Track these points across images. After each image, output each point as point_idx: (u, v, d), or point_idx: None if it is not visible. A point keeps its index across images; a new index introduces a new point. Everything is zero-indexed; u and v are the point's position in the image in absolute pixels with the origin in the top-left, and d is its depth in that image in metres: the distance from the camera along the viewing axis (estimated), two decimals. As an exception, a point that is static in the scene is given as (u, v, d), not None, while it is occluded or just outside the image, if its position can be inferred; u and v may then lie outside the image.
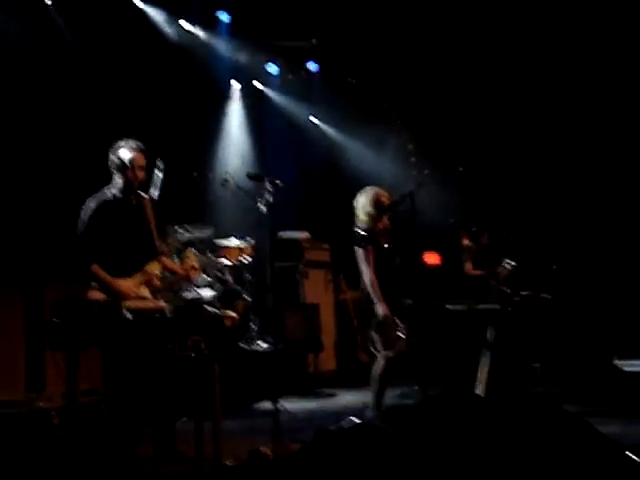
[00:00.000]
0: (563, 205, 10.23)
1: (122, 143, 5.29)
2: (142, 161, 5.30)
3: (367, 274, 6.22)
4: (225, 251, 6.17)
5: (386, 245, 6.41)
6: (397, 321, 6.20)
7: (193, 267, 5.71)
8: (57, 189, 7.85)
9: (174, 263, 6.03)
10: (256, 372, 7.92)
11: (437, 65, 10.70)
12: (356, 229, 6.36)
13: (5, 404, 6.42)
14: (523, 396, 3.92)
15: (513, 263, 7.98)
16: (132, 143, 5.29)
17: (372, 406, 6.21)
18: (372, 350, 6.29)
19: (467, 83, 10.67)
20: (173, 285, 6.04)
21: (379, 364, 6.23)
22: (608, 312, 9.15)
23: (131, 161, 5.23)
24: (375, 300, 6.14)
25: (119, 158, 5.25)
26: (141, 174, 5.31)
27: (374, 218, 6.34)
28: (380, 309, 6.11)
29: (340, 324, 10.09)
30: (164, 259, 5.63)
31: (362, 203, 6.39)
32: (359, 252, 6.27)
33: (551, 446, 3.05)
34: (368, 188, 6.47)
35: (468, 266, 8.13)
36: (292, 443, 5.40)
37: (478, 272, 8.06)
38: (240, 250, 6.24)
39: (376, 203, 6.34)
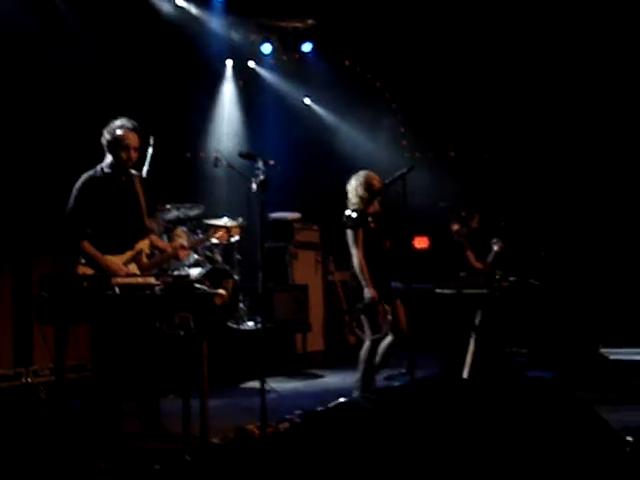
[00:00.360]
0: (553, 192, 10.26)
1: (117, 122, 5.25)
2: (135, 141, 5.25)
3: (356, 256, 6.25)
4: (214, 232, 6.14)
5: (375, 227, 6.42)
6: (384, 304, 6.24)
7: (182, 246, 5.71)
8: (48, 164, 7.83)
9: (163, 241, 6.02)
10: (244, 351, 7.96)
11: (431, 48, 10.68)
12: (347, 211, 6.38)
13: (-7, 378, 6.43)
14: (507, 379, 3.94)
15: (499, 241, 8.02)
16: (127, 122, 5.25)
17: (359, 387, 6.25)
18: (359, 332, 6.34)
19: (460, 67, 10.66)
20: (162, 262, 6.03)
21: (366, 346, 6.27)
22: (595, 300, 9.21)
23: (123, 139, 5.19)
24: (363, 283, 6.18)
25: (112, 136, 5.21)
26: (134, 154, 5.27)
27: (365, 201, 6.37)
28: (367, 292, 6.15)
29: (328, 305, 10.12)
30: (153, 237, 5.62)
31: (354, 186, 6.42)
32: (349, 234, 6.30)
33: (539, 429, 3.07)
34: (360, 172, 6.49)
35: (471, 257, 8.16)
36: (279, 422, 5.44)
37: (480, 264, 8.11)
38: (229, 230, 6.21)
39: (368, 186, 6.37)
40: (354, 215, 6.32)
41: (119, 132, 5.20)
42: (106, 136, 5.24)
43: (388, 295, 6.34)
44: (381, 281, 6.29)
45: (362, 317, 6.27)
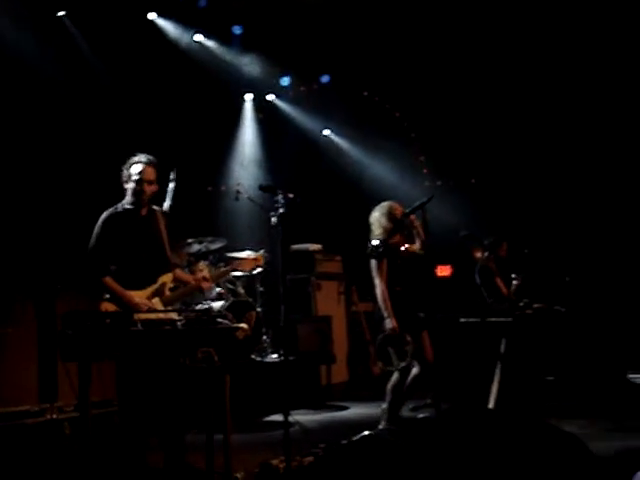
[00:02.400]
0: (576, 218, 10.20)
1: (133, 158, 5.33)
2: (150, 174, 5.30)
3: (379, 287, 6.23)
4: (237, 263, 6.15)
5: (402, 255, 6.40)
6: (407, 335, 6.19)
7: (205, 278, 5.71)
8: (71, 200, 7.91)
9: (186, 274, 6.03)
10: (268, 384, 7.92)
11: (450, 76, 10.71)
12: (370, 242, 6.37)
13: (18, 415, 6.44)
14: (531, 411, 3.90)
15: (519, 277, 8.00)
16: (142, 157, 5.32)
17: (385, 418, 6.20)
18: (380, 364, 6.31)
19: (480, 94, 10.67)
20: (185, 295, 6.03)
21: (394, 377, 6.22)
22: (621, 325, 9.09)
23: (140, 174, 5.25)
24: (384, 314, 6.15)
25: (127, 171, 5.29)
26: (150, 187, 5.31)
27: (388, 231, 6.36)
28: (388, 323, 6.13)
29: (352, 336, 10.08)
30: (177, 270, 5.64)
31: (377, 217, 6.43)
32: (373, 264, 6.28)
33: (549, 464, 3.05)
34: (383, 203, 6.49)
35: (500, 283, 8.15)
36: (303, 456, 5.39)
37: (507, 291, 8.10)
38: (253, 261, 6.22)
39: (390, 216, 6.37)
40: (378, 245, 6.31)
41: (134, 167, 5.27)
42: (124, 172, 5.31)
43: (414, 326, 6.28)
44: (406, 312, 6.25)
45: (388, 348, 6.23)
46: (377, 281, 6.26)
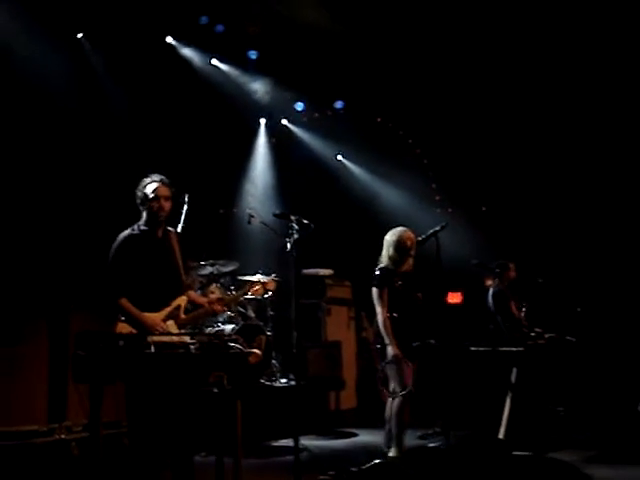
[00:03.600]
0: (588, 248, 10.18)
1: (146, 179, 5.37)
2: (165, 192, 5.33)
3: (380, 314, 6.30)
4: (250, 286, 6.16)
5: (401, 284, 6.43)
6: (407, 362, 6.24)
7: (219, 299, 5.71)
8: (86, 220, 7.96)
9: (200, 297, 6.03)
10: (277, 409, 7.90)
11: (463, 106, 10.76)
12: (376, 268, 6.42)
13: (26, 434, 6.44)
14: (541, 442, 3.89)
15: (525, 304, 8.00)
16: (155, 177, 5.37)
17: (395, 444, 6.18)
18: (383, 390, 6.37)
19: (492, 123, 10.71)
20: (199, 317, 6.03)
21: (395, 403, 6.24)
22: (632, 357, 9.06)
23: (154, 191, 5.29)
24: (386, 341, 6.21)
25: (142, 192, 5.32)
26: (166, 205, 5.33)
27: (395, 261, 6.41)
28: (391, 350, 6.18)
29: (362, 362, 10.04)
30: (191, 293, 5.66)
31: (388, 243, 6.47)
32: (374, 292, 6.35)
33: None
34: (398, 229, 6.52)
35: (513, 307, 8.15)
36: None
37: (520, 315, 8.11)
38: (265, 285, 6.24)
39: (399, 246, 6.42)
40: (380, 273, 6.37)
41: (148, 186, 5.31)
42: (137, 194, 5.34)
43: (411, 354, 6.32)
44: (405, 340, 6.29)
45: (388, 375, 6.26)
46: (378, 309, 6.34)
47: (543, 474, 3.20)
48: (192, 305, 5.65)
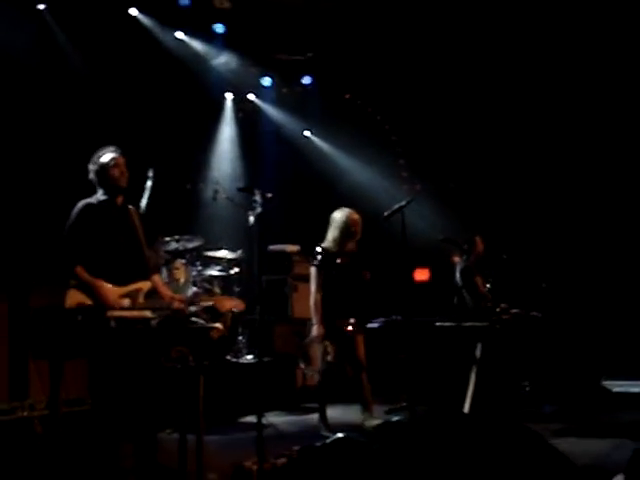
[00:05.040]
0: (553, 224, 10.23)
1: (100, 152, 5.31)
2: (117, 160, 5.28)
3: (313, 295, 6.52)
4: (216, 300, 6.12)
5: (344, 266, 6.51)
6: (328, 343, 6.36)
7: (181, 300, 5.55)
8: (45, 195, 7.82)
9: (165, 288, 5.84)
10: (243, 385, 7.87)
11: (431, 81, 10.73)
12: (317, 248, 6.50)
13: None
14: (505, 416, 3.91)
15: (488, 283, 8.05)
16: (110, 148, 5.31)
17: (318, 420, 6.63)
18: (302, 366, 6.61)
19: (460, 98, 10.69)
20: (155, 308, 5.92)
21: (317, 380, 6.58)
22: (597, 332, 9.14)
23: (113, 159, 5.23)
24: (313, 320, 6.45)
25: (98, 164, 5.25)
26: (117, 171, 5.26)
27: (338, 242, 6.49)
28: (314, 330, 6.43)
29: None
30: (157, 278, 5.55)
31: (334, 223, 6.56)
32: (312, 271, 6.43)
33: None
34: (345, 209, 6.62)
35: (479, 282, 8.18)
36: (277, 458, 5.35)
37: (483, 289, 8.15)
38: (233, 303, 6.20)
39: (343, 229, 6.50)
40: (320, 255, 6.43)
41: (105, 156, 5.25)
42: (92, 167, 5.28)
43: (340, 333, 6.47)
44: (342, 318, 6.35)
45: (309, 352, 6.43)
46: (313, 288, 6.48)
47: (507, 444, 3.20)
48: (153, 291, 5.56)
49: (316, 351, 6.49)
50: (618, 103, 9.83)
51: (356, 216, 6.57)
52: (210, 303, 6.10)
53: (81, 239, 5.09)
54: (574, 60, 9.88)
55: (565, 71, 10.02)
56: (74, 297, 4.86)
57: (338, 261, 6.52)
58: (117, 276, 5.16)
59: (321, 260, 6.47)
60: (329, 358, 6.46)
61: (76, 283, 4.99)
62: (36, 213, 7.64)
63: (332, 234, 6.55)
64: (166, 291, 5.64)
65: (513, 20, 9.69)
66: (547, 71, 10.09)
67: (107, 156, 5.26)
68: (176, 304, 5.45)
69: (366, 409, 6.54)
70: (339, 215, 6.58)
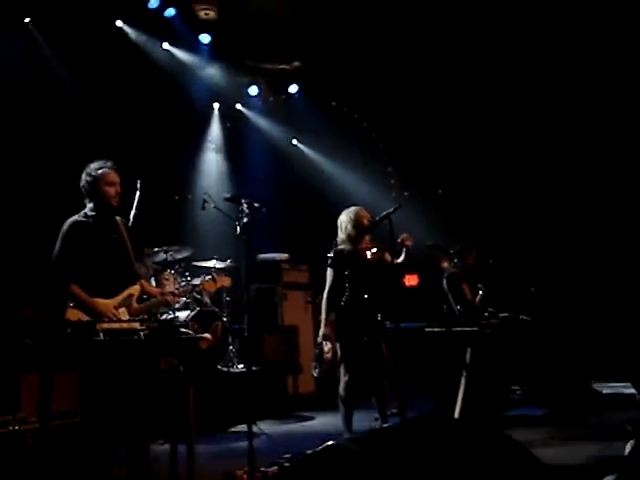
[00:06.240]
0: (541, 228, 10.29)
1: (94, 164, 5.26)
2: (114, 177, 5.25)
3: (324, 294, 6.45)
4: (203, 282, 6.09)
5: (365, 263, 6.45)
6: (327, 344, 6.35)
7: (172, 293, 5.66)
8: (35, 208, 7.81)
9: (153, 287, 5.98)
10: (234, 394, 7.88)
11: (418, 88, 10.78)
12: (331, 251, 6.47)
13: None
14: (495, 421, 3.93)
15: (483, 287, 8.07)
16: (102, 162, 5.27)
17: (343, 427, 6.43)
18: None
19: (447, 106, 10.74)
20: (151, 308, 5.99)
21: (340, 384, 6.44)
22: (586, 335, 9.18)
23: (106, 175, 5.20)
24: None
25: (93, 177, 5.21)
26: (113, 190, 5.24)
27: (353, 239, 6.41)
28: (320, 331, 6.39)
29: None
30: (144, 282, 5.60)
31: (344, 222, 6.49)
32: (328, 272, 6.44)
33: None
34: (352, 208, 6.54)
35: (466, 290, 8.20)
36: (268, 467, 5.36)
37: (472, 297, 8.17)
38: (219, 281, 6.17)
39: (356, 224, 6.41)
40: (331, 255, 6.46)
41: (100, 171, 5.20)
42: (86, 178, 5.22)
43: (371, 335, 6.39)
44: (368, 320, 6.32)
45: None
46: (326, 288, 6.43)
47: (491, 454, 3.22)
48: (146, 296, 5.60)
49: (322, 353, 6.45)
50: (603, 111, 9.90)
51: (365, 211, 6.52)
52: (198, 282, 6.10)
53: (72, 258, 5.09)
54: (559, 69, 9.95)
55: (549, 81, 10.08)
56: (73, 315, 4.89)
57: (366, 257, 6.43)
58: (109, 290, 5.17)
59: (334, 259, 6.41)
60: (328, 357, 6.40)
61: (73, 304, 5.01)
62: (26, 226, 7.64)
63: (347, 232, 6.45)
64: (155, 290, 5.72)
65: (496, 32, 9.75)
66: (532, 80, 10.15)
67: (102, 172, 5.23)
68: (170, 298, 5.53)
69: (381, 414, 6.45)
70: (348, 212, 6.52)
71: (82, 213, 5.26)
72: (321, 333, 6.42)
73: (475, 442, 3.26)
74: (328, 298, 6.43)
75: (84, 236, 5.16)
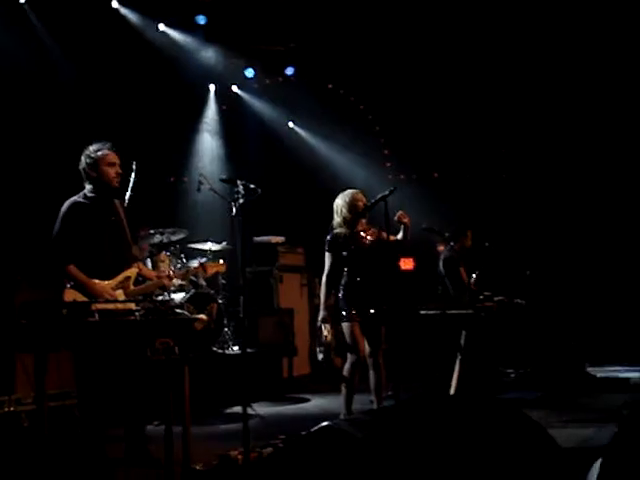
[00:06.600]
0: (536, 212, 10.30)
1: (94, 146, 5.27)
2: (114, 158, 5.26)
3: (323, 278, 6.46)
4: (200, 267, 6.10)
5: (365, 242, 6.45)
6: (325, 327, 6.38)
7: (168, 275, 5.69)
8: (32, 190, 7.80)
9: (150, 270, 6.00)
10: (230, 376, 7.89)
11: (414, 70, 10.74)
12: (328, 235, 6.47)
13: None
14: (490, 401, 3.93)
15: (477, 273, 8.08)
16: (101, 144, 5.27)
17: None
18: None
19: (443, 88, 10.72)
20: (148, 290, 5.99)
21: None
22: (581, 319, 9.22)
23: (102, 157, 5.20)
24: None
25: (93, 158, 5.21)
26: (113, 171, 5.25)
27: (349, 222, 6.40)
28: (319, 314, 6.43)
29: (314, 329, 10.07)
30: (140, 265, 5.61)
31: (339, 205, 6.47)
32: (327, 256, 6.44)
33: (511, 450, 3.07)
34: (347, 191, 6.53)
35: (463, 273, 8.20)
36: (262, 447, 5.38)
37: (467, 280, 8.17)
38: (215, 267, 6.18)
39: (352, 207, 6.40)
40: (328, 238, 6.45)
41: (100, 152, 5.21)
42: (86, 160, 5.23)
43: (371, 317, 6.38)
44: (367, 302, 6.32)
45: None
46: (325, 272, 6.46)
47: (494, 427, 3.23)
48: (142, 278, 5.62)
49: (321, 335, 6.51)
50: (601, 99, 9.90)
51: (361, 194, 6.51)
52: (195, 266, 6.11)
53: (71, 239, 5.11)
54: (559, 50, 9.93)
55: (548, 61, 10.07)
56: (71, 296, 4.90)
57: (364, 239, 6.42)
58: (107, 271, 5.20)
59: (331, 243, 6.42)
60: (328, 339, 6.45)
61: (72, 284, 5.02)
62: (22, 209, 7.63)
63: (342, 215, 6.43)
64: (152, 272, 5.78)
65: (495, 9, 9.72)
66: (530, 59, 10.14)
67: (103, 152, 5.23)
68: (166, 281, 5.56)
69: (377, 396, 6.43)
70: (342, 196, 6.51)
71: (81, 194, 5.27)
72: (320, 317, 6.44)
73: (471, 420, 3.26)
74: (327, 282, 6.44)
75: (83, 217, 5.18)
